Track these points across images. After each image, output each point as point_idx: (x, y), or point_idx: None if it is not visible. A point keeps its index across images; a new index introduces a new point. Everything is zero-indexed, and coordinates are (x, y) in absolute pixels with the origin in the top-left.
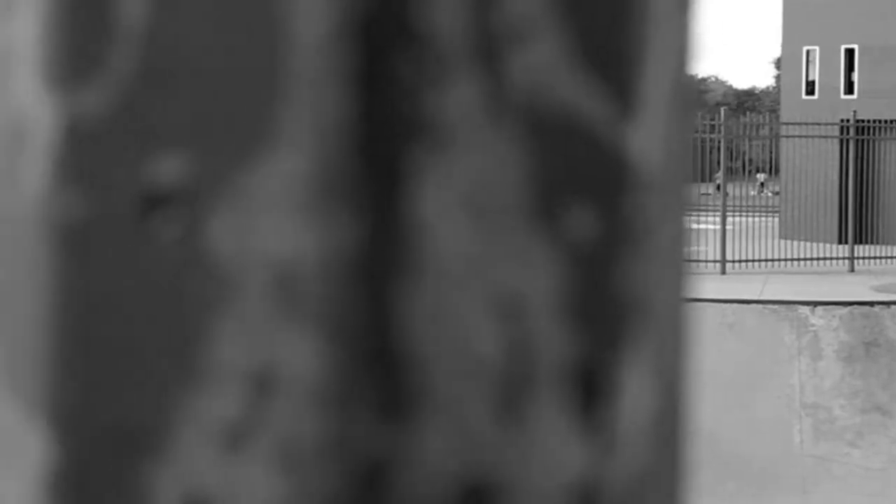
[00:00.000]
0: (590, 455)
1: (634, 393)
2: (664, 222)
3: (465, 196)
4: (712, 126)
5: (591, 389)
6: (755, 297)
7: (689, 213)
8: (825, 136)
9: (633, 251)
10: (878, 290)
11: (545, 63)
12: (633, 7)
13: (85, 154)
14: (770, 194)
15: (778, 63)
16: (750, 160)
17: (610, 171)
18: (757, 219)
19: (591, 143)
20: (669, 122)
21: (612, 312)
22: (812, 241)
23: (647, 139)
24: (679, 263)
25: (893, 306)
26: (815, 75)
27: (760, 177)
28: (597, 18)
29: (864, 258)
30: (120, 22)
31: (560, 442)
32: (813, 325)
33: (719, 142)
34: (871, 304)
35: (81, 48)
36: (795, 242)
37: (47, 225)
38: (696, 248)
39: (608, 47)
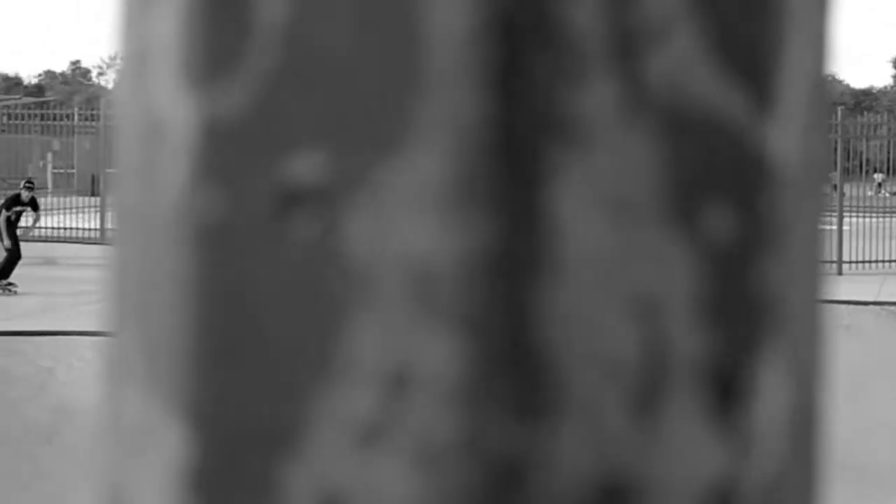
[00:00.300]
0: (726, 456)
1: (771, 394)
2: (801, 221)
3: (603, 195)
4: (829, 125)
5: (727, 390)
6: (872, 299)
7: (824, 212)
8: None
9: (771, 251)
10: None
11: (683, 60)
12: (771, 2)
13: (223, 153)
14: (887, 194)
15: None
16: (867, 160)
17: (748, 169)
18: (874, 219)
19: (729, 140)
20: (807, 120)
21: (749, 312)
22: None
23: (786, 137)
24: (814, 263)
25: None
26: None
27: (878, 177)
28: (735, 14)
29: None
30: (259, 21)
31: (696, 443)
32: None
33: (836, 141)
34: None
35: (220, 47)
36: None
37: (186, 223)
38: None
39: (746, 44)
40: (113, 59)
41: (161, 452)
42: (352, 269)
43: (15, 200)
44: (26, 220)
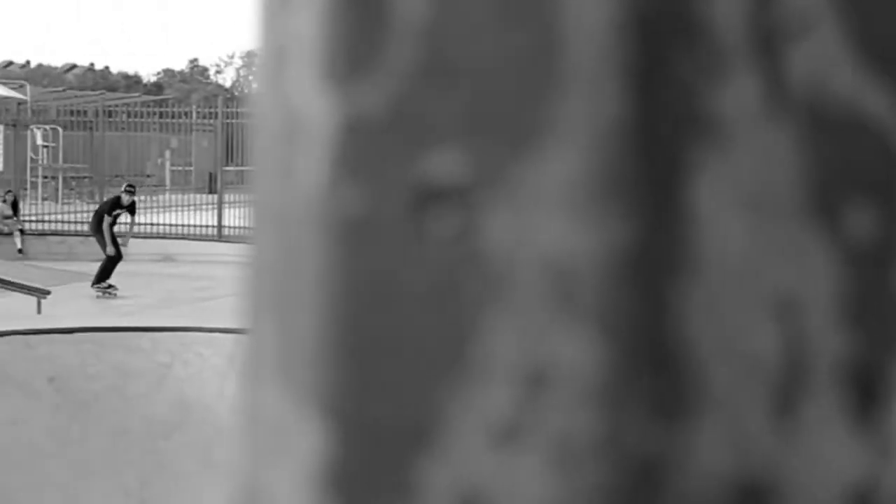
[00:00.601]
0: (866, 458)
1: None
2: None
3: (743, 194)
4: None
5: (867, 391)
6: None
7: None
8: None
9: None
10: None
11: (825, 57)
12: None
13: (362, 151)
14: None
15: None
16: None
17: (891, 169)
18: None
19: (871, 139)
20: None
21: (890, 313)
22: None
23: None
24: None
25: None
26: None
27: None
28: (878, 11)
29: None
30: (397, 18)
31: (836, 444)
32: None
33: None
34: None
35: (359, 45)
36: None
37: (324, 221)
38: None
39: (890, 41)
40: (231, 57)
41: (298, 449)
42: (490, 268)
43: (115, 204)
44: (126, 219)
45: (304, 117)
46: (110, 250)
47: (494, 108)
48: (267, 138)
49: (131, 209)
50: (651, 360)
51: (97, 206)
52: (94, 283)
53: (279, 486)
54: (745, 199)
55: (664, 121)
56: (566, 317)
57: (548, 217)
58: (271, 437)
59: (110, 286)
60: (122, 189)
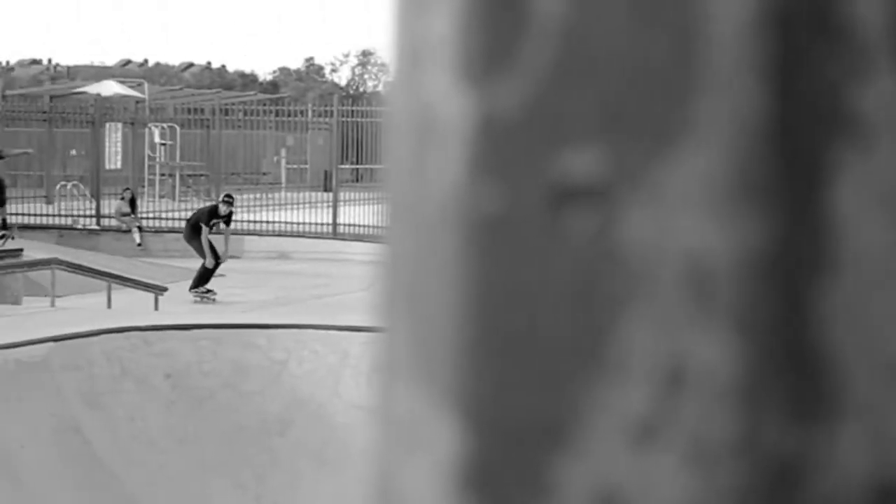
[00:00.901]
0: None
1: None
2: None
3: (885, 193)
4: None
5: None
6: None
7: None
8: None
9: None
10: None
11: None
12: None
13: (498, 148)
14: None
15: None
16: None
17: None
18: None
19: None
20: None
21: None
22: None
23: None
24: None
25: None
26: None
27: None
28: None
29: None
30: (535, 16)
31: None
32: None
33: None
34: None
35: (497, 43)
36: None
37: (460, 218)
38: None
39: None
40: (346, 56)
41: (434, 447)
42: (628, 266)
43: (213, 214)
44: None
45: (440, 116)
46: (209, 262)
47: (632, 106)
48: (401, 138)
49: (227, 219)
50: (790, 360)
51: (198, 210)
52: (191, 288)
53: (415, 485)
54: (887, 198)
55: (805, 119)
56: (704, 316)
57: (686, 215)
58: (406, 437)
59: (209, 291)
60: (220, 199)
